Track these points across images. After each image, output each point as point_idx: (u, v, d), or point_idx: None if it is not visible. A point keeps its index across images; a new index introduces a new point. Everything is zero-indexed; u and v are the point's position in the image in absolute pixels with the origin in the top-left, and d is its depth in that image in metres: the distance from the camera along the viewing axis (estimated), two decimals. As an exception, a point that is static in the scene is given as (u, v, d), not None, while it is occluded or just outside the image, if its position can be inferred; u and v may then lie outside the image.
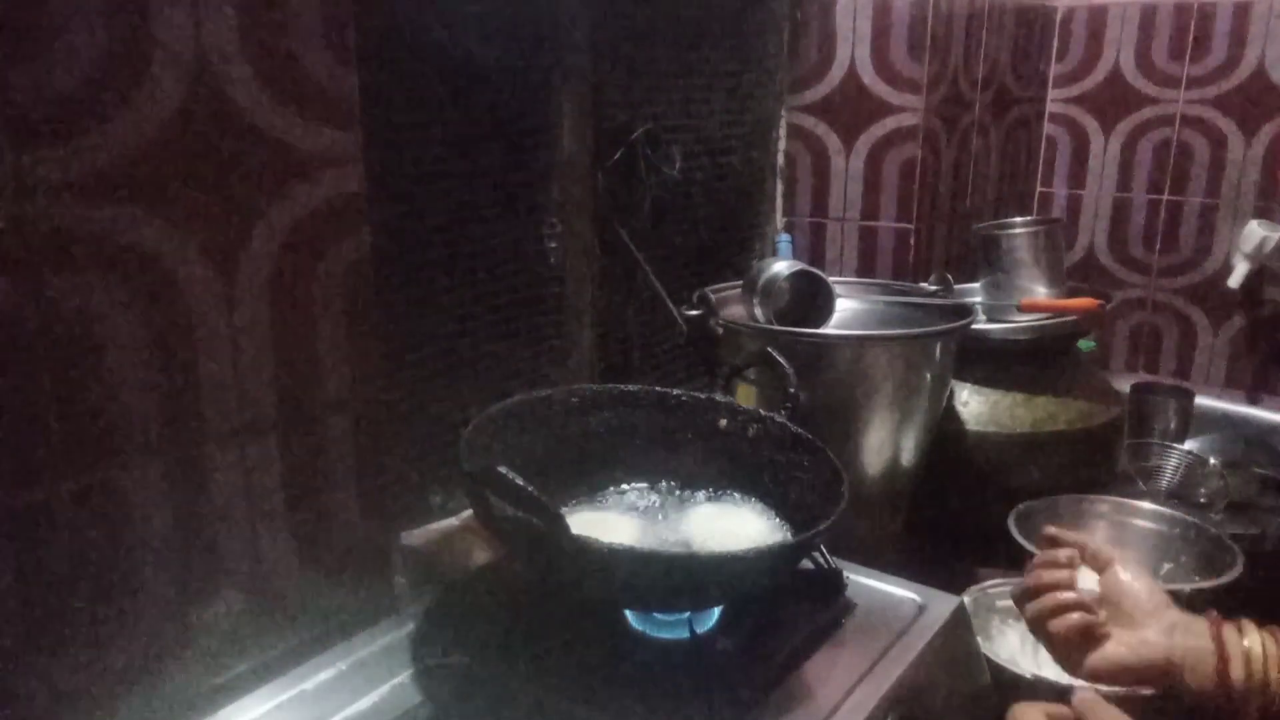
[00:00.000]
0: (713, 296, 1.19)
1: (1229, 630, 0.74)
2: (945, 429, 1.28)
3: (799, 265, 1.21)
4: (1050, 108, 1.87)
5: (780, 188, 1.57)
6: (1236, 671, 0.71)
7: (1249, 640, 0.72)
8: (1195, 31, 1.70)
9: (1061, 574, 0.80)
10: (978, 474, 1.31)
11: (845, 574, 0.91)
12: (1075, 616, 0.77)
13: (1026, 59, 1.75)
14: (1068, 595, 0.78)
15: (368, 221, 0.81)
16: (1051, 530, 0.85)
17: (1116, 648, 0.77)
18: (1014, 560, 1.15)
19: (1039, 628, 0.80)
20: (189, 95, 0.67)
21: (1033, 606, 0.80)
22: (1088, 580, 0.83)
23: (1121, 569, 0.80)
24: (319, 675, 0.79)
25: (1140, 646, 0.76)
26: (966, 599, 1.03)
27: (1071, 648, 0.78)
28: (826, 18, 1.47)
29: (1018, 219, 1.47)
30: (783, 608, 0.86)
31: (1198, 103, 1.72)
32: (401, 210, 0.98)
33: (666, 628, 0.80)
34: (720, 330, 1.15)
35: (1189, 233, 1.77)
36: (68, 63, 0.61)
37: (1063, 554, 0.81)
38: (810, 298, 1.21)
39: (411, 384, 1.03)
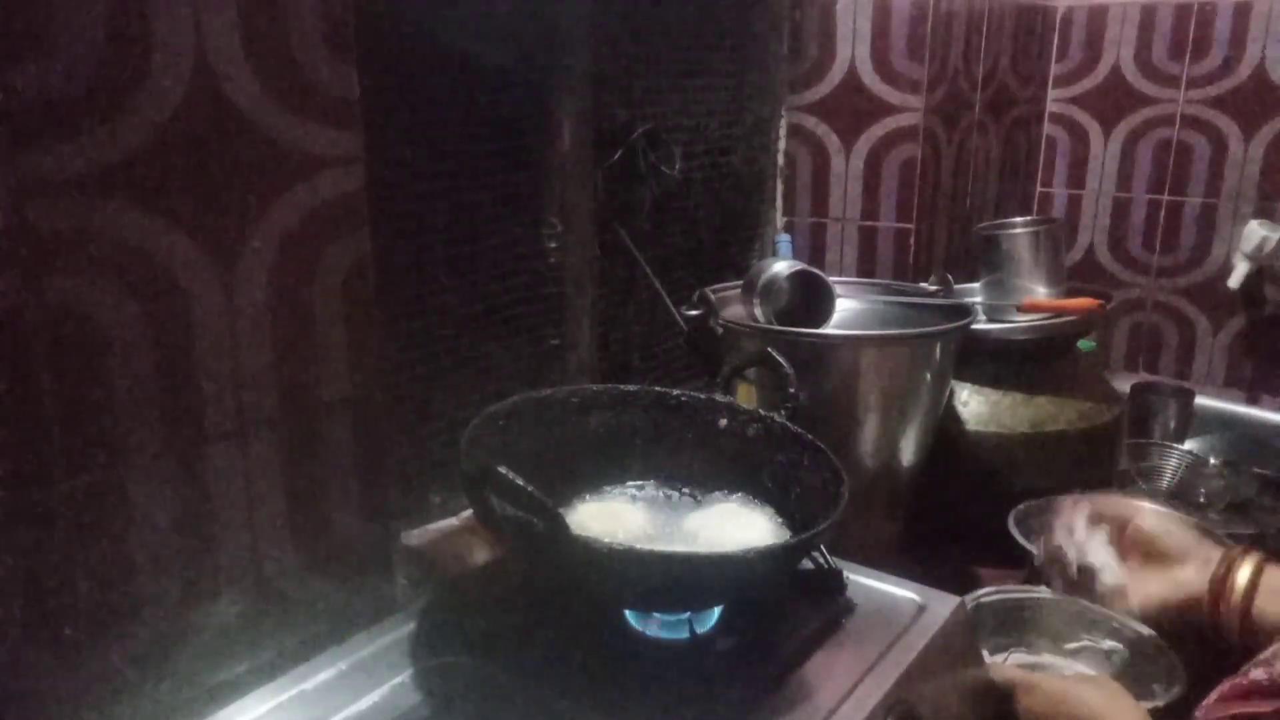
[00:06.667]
0: (713, 296, 1.19)
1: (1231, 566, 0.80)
2: (945, 429, 1.28)
3: (799, 265, 1.21)
4: (1050, 108, 1.87)
5: (780, 188, 1.57)
6: (1224, 604, 0.78)
7: (1240, 574, 0.78)
8: (1195, 31, 1.70)
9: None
10: (978, 474, 1.31)
11: (845, 574, 0.91)
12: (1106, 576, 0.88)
13: (1026, 59, 1.75)
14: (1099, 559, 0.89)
15: (368, 221, 0.81)
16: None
17: (1156, 586, 0.84)
18: (1014, 560, 1.15)
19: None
20: (189, 95, 0.67)
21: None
22: (1097, 549, 0.86)
23: (1149, 512, 0.88)
24: (319, 675, 0.79)
25: (1179, 584, 0.82)
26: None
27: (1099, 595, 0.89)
28: (826, 18, 1.47)
29: (1018, 219, 1.47)
30: (783, 608, 0.86)
31: (1198, 103, 1.72)
32: (401, 210, 0.98)
33: (666, 628, 0.80)
34: (720, 330, 1.15)
35: (1189, 233, 1.78)
36: (68, 63, 0.61)
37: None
38: (810, 298, 1.21)
39: (411, 384, 1.03)
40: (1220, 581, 0.78)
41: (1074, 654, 1.05)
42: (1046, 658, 1.05)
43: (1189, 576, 0.81)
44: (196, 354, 0.71)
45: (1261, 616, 0.76)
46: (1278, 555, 0.81)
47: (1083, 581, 0.91)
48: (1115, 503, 0.92)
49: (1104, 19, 1.78)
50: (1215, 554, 0.81)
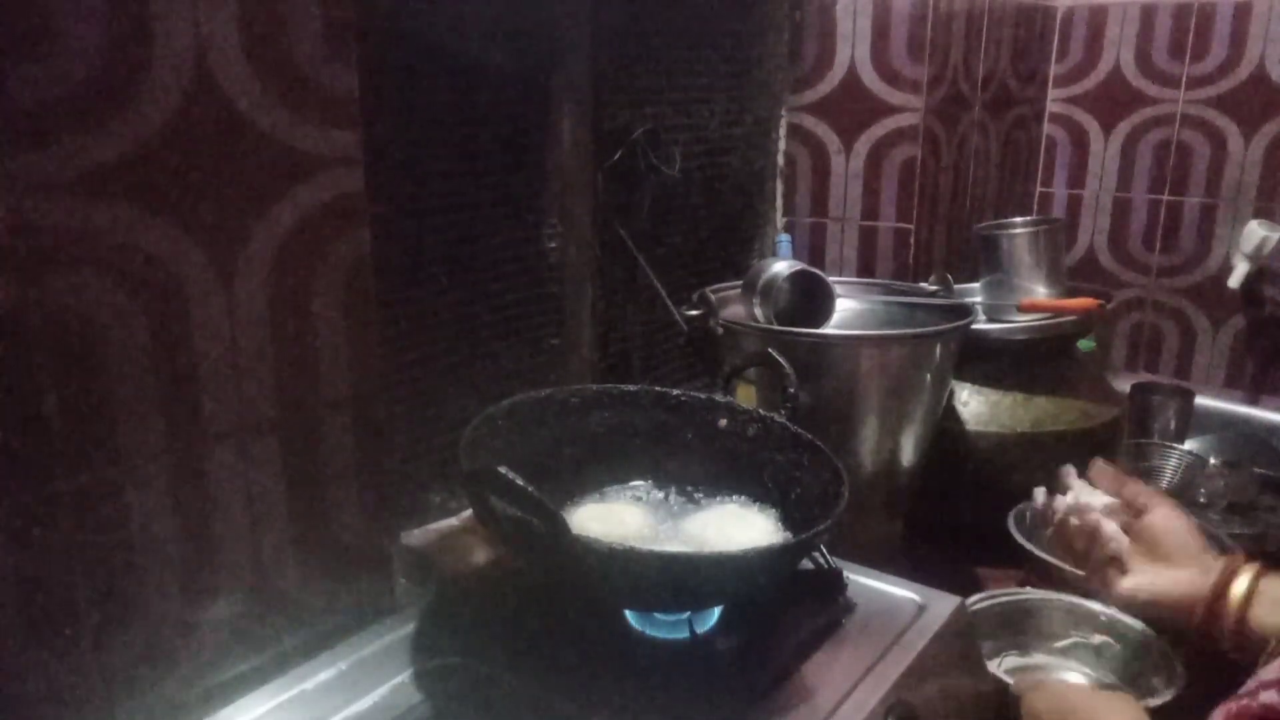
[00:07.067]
0: (713, 296, 1.19)
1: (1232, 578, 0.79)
2: (945, 429, 1.28)
3: (799, 265, 1.21)
4: (1050, 108, 1.87)
5: (780, 188, 1.57)
6: (1220, 611, 0.78)
7: (1239, 581, 0.78)
8: (1195, 31, 1.70)
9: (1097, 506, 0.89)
10: (978, 474, 1.30)
11: (845, 574, 0.91)
12: (1112, 545, 0.85)
13: (1026, 59, 1.75)
14: (1109, 526, 0.87)
15: (368, 221, 0.81)
16: (1101, 465, 0.93)
17: (1155, 578, 0.83)
18: (1013, 560, 1.15)
19: (1066, 545, 0.90)
20: (189, 95, 0.67)
21: (1068, 523, 0.90)
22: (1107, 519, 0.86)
23: (1166, 511, 0.86)
24: (319, 675, 0.79)
25: (1178, 582, 0.82)
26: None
27: (1099, 572, 0.87)
28: (826, 18, 1.47)
29: (1018, 219, 1.47)
30: (783, 608, 0.86)
31: (1198, 103, 1.72)
32: (401, 210, 0.98)
33: (666, 628, 0.80)
34: (720, 330, 1.15)
35: (1189, 233, 1.78)
36: (68, 63, 0.61)
37: (1100, 501, 0.89)
38: (810, 298, 1.21)
39: (411, 384, 1.03)
40: (1221, 589, 0.78)
41: (1066, 651, 1.05)
42: (1039, 658, 1.05)
43: (1188, 580, 0.80)
44: (196, 354, 0.71)
45: (1259, 625, 0.75)
46: (1278, 555, 0.81)
47: (1083, 542, 0.89)
48: (1134, 488, 0.91)
49: (1104, 19, 1.78)
50: (1217, 563, 0.81)
